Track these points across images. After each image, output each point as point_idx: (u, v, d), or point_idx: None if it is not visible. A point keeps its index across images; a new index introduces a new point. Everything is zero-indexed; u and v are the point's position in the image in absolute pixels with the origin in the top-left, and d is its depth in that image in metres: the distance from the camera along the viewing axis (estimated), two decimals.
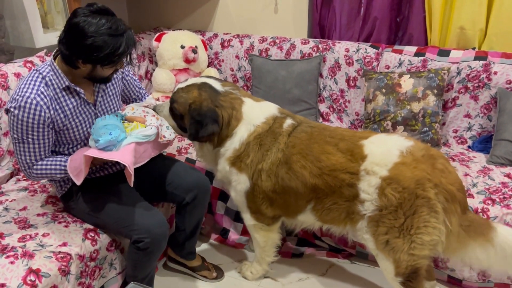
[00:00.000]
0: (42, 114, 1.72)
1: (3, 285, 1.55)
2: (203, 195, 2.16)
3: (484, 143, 2.62)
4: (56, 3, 2.83)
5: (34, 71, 1.79)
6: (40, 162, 1.81)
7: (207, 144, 1.99)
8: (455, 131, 2.74)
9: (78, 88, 1.82)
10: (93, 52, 1.65)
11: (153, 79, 3.19)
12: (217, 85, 1.97)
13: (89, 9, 1.68)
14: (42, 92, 1.73)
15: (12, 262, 1.64)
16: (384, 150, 1.76)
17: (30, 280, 1.59)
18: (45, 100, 1.73)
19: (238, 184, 1.99)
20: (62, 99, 1.80)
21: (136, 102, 2.20)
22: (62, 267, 1.69)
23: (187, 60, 3.13)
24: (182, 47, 3.13)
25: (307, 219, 2.01)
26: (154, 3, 3.67)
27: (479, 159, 2.50)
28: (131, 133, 1.82)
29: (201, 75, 3.25)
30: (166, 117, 2.01)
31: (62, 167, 1.80)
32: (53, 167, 1.81)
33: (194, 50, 3.12)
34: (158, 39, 3.20)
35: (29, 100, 1.70)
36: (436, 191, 1.67)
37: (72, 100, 1.82)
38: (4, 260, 1.65)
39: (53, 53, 1.85)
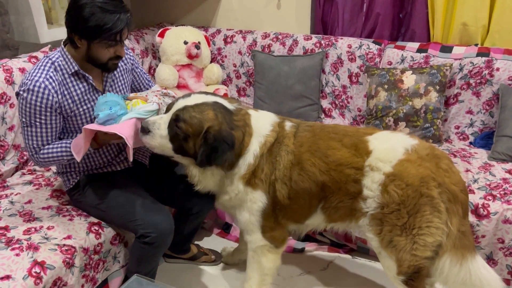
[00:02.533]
0: (50, 98, 1.75)
1: (8, 276, 1.58)
2: (208, 210, 2.18)
3: (485, 139, 2.62)
4: None
5: (45, 57, 1.83)
6: (47, 147, 1.82)
7: (213, 168, 1.78)
8: (457, 127, 2.75)
9: (86, 74, 1.84)
10: (81, 23, 1.68)
11: (156, 74, 3.21)
12: (227, 104, 1.79)
13: None
14: (50, 77, 1.77)
15: (17, 255, 1.67)
16: (389, 147, 1.73)
17: (35, 272, 1.62)
18: (53, 84, 1.77)
19: (254, 204, 1.82)
20: (70, 84, 1.83)
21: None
22: (67, 259, 1.72)
23: (190, 56, 3.14)
24: (185, 42, 3.15)
25: (315, 221, 1.92)
26: None
27: (481, 155, 2.50)
28: (132, 109, 1.80)
29: (203, 72, 3.27)
30: (162, 136, 1.72)
31: (68, 149, 1.80)
32: (59, 149, 1.81)
33: (197, 46, 3.13)
34: (161, 35, 3.21)
35: (37, 84, 1.73)
36: (439, 190, 1.64)
37: (80, 86, 1.85)
38: (9, 252, 1.68)
39: (64, 40, 1.87)
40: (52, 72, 1.78)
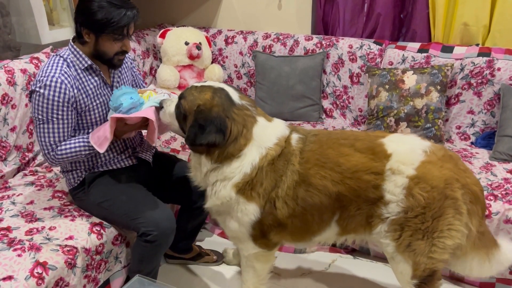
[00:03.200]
0: (67, 92, 1.78)
1: (10, 277, 1.58)
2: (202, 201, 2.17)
3: (487, 139, 2.62)
4: (61, 0, 2.85)
5: (55, 56, 1.86)
6: (64, 143, 1.82)
7: (203, 157, 1.72)
8: (458, 127, 2.75)
9: (98, 68, 1.89)
10: (90, 16, 1.74)
11: (157, 75, 3.22)
12: (234, 96, 1.73)
13: None
14: (65, 72, 1.80)
15: (19, 255, 1.67)
16: (408, 149, 1.66)
17: (37, 273, 1.62)
18: (69, 79, 1.80)
19: (245, 216, 1.73)
20: (84, 79, 1.86)
21: None
22: (69, 260, 1.72)
23: (191, 57, 3.15)
24: (186, 43, 3.15)
25: (327, 235, 1.82)
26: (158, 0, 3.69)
27: (482, 155, 2.51)
28: (150, 99, 1.87)
29: (205, 72, 3.27)
30: (170, 114, 1.79)
31: (86, 143, 1.82)
32: (77, 145, 1.82)
33: (198, 47, 3.13)
34: (163, 36, 3.22)
35: (54, 79, 1.76)
36: (462, 191, 1.61)
37: (93, 80, 1.89)
38: (11, 253, 1.68)
39: (72, 37, 1.92)
40: (65, 68, 1.82)
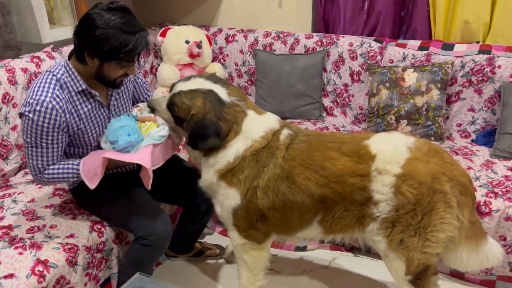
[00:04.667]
0: (58, 118, 1.70)
1: (12, 275, 1.59)
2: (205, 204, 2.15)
3: (487, 137, 2.62)
4: None
5: (48, 73, 1.76)
6: (52, 167, 1.78)
7: (196, 152, 1.84)
8: (459, 125, 2.74)
9: (93, 91, 1.80)
10: (99, 44, 1.63)
11: (158, 74, 3.22)
12: (223, 94, 1.77)
13: (108, 5, 1.67)
14: (57, 96, 1.70)
15: (20, 253, 1.68)
16: (392, 147, 1.68)
17: (39, 271, 1.63)
18: (61, 103, 1.71)
19: (226, 199, 1.81)
20: (77, 102, 1.78)
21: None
22: (70, 258, 1.73)
23: (192, 55, 3.15)
24: (187, 42, 3.16)
25: (310, 233, 1.88)
26: None
27: (483, 153, 2.50)
28: (148, 134, 1.79)
29: (205, 71, 3.27)
30: (163, 111, 1.85)
31: (75, 171, 1.78)
32: (65, 171, 1.78)
33: (199, 45, 3.14)
34: (163, 34, 3.22)
35: (44, 104, 1.67)
36: (451, 184, 1.63)
37: (87, 103, 1.81)
38: (12, 251, 1.69)
39: (69, 53, 1.81)
40: (58, 90, 1.71)
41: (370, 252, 2.45)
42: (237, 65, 3.34)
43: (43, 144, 1.72)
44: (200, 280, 2.32)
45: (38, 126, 1.68)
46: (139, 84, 2.11)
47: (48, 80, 1.73)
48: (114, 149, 1.74)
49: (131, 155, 1.74)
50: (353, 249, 2.50)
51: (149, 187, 1.77)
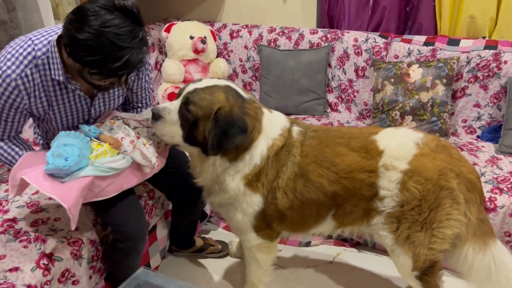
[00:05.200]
0: (18, 100, 1.50)
1: (17, 268, 1.60)
2: (202, 203, 2.12)
3: (493, 133, 2.60)
4: None
5: (29, 42, 1.49)
6: (2, 144, 1.64)
7: (219, 158, 1.66)
8: (464, 121, 2.73)
9: (73, 84, 1.58)
10: (79, 49, 1.37)
11: (162, 69, 3.22)
12: (240, 91, 1.69)
13: (113, 2, 1.38)
14: (27, 75, 1.48)
15: (25, 246, 1.69)
16: (400, 143, 1.67)
17: (43, 264, 1.63)
18: (28, 85, 1.49)
19: (250, 207, 1.74)
20: (51, 89, 1.56)
21: (131, 111, 1.95)
22: (74, 251, 1.74)
23: (196, 51, 3.15)
24: (191, 37, 3.15)
25: (323, 228, 1.86)
26: None
27: (488, 149, 2.49)
28: (94, 162, 1.51)
29: (210, 66, 3.27)
30: (173, 122, 1.63)
31: (13, 161, 1.62)
32: (5, 155, 1.64)
33: (203, 41, 3.14)
34: (168, 30, 3.22)
35: (7, 80, 1.46)
36: (458, 181, 1.62)
37: (63, 92, 1.59)
38: (17, 244, 1.70)
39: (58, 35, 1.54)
40: (31, 69, 1.48)
41: (374, 248, 2.45)
42: (241, 61, 3.34)
43: None
44: (204, 274, 2.33)
45: None
46: (139, 85, 1.85)
47: (24, 53, 1.48)
48: (44, 171, 1.49)
49: (54, 184, 1.47)
50: (357, 244, 2.50)
51: (73, 228, 1.51)
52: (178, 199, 2.14)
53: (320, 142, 1.73)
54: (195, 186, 1.82)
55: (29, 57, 1.48)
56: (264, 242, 1.86)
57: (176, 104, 1.65)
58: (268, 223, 1.80)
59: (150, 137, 1.77)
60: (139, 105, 1.95)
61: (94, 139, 1.59)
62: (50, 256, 1.67)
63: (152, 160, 1.70)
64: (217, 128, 1.57)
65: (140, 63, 1.46)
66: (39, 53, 1.49)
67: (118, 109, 1.94)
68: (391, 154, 1.64)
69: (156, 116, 1.65)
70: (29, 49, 1.48)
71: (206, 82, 1.66)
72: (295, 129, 1.77)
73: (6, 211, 1.92)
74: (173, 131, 1.65)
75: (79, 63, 1.41)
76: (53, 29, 1.55)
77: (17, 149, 1.68)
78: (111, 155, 1.56)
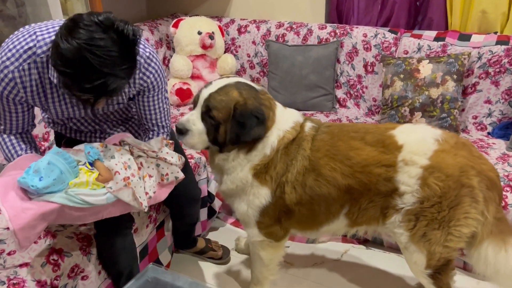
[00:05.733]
0: (14, 91, 1.47)
1: (27, 264, 1.62)
2: (196, 215, 2.13)
3: (504, 130, 2.57)
4: None
5: (33, 36, 1.44)
6: (5, 136, 1.62)
7: (233, 152, 1.69)
8: (475, 117, 2.70)
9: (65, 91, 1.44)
10: (58, 57, 1.28)
11: (170, 65, 3.22)
12: (251, 83, 1.72)
13: (113, 21, 1.29)
14: (24, 70, 1.44)
15: (35, 242, 1.69)
16: (419, 139, 1.64)
17: (53, 260, 1.65)
18: (24, 79, 1.46)
19: (256, 199, 1.73)
20: (47, 86, 1.51)
21: (144, 133, 1.83)
22: (83, 247, 1.75)
23: (204, 46, 3.14)
24: (199, 33, 3.14)
25: (335, 227, 1.82)
26: None
27: (499, 146, 2.46)
28: (69, 191, 1.40)
29: (217, 62, 3.26)
30: (200, 131, 1.65)
31: (11, 159, 1.60)
32: (6, 150, 1.62)
33: (211, 36, 3.13)
34: (176, 25, 3.22)
35: (5, 71, 1.43)
36: (479, 178, 1.58)
37: (60, 91, 1.54)
38: None
39: None
40: (29, 64, 1.44)
41: (382, 245, 2.44)
42: (249, 56, 3.32)
43: None
44: (210, 271, 2.33)
45: None
46: (146, 105, 1.70)
47: (26, 47, 1.43)
48: (18, 181, 1.39)
49: (15, 198, 1.36)
50: (365, 241, 2.49)
51: (18, 250, 1.41)
52: (174, 202, 2.07)
53: (332, 137, 1.72)
54: (190, 190, 1.85)
55: (29, 52, 1.44)
56: (267, 240, 1.85)
57: (196, 113, 1.66)
58: (274, 220, 1.79)
59: (154, 168, 1.65)
60: (150, 126, 1.78)
61: (88, 164, 1.50)
62: (59, 252, 1.68)
63: (143, 202, 1.54)
64: (234, 122, 1.61)
65: (113, 92, 1.35)
66: (39, 51, 1.45)
67: (133, 127, 1.87)
68: (410, 149, 1.61)
69: (183, 131, 1.66)
70: (31, 44, 1.44)
71: (217, 84, 1.67)
72: (308, 124, 1.76)
73: None
74: (201, 139, 1.68)
75: (54, 68, 1.33)
76: (61, 24, 1.45)
77: (18, 147, 1.64)
78: (92, 188, 1.44)
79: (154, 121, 1.75)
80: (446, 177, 1.57)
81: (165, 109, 1.76)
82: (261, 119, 1.62)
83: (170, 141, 1.74)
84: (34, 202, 1.37)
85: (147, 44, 1.61)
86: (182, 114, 2.98)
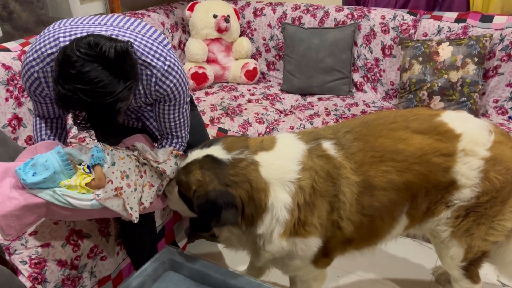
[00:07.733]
0: (40, 88, 1.56)
1: (48, 244, 1.66)
2: None
3: None
4: None
5: (56, 41, 1.49)
6: (37, 119, 1.71)
7: (228, 227, 1.50)
8: (496, 101, 2.64)
9: None
10: (59, 100, 1.32)
11: (186, 49, 3.22)
12: (221, 154, 1.45)
13: (102, 51, 1.28)
14: (47, 71, 1.52)
15: (55, 223, 1.74)
16: (476, 127, 1.50)
17: (73, 240, 1.70)
18: (48, 79, 1.54)
19: (308, 251, 1.52)
20: None
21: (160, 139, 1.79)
22: (102, 228, 1.79)
23: (220, 30, 3.12)
24: (215, 16, 3.13)
25: (396, 232, 1.64)
26: None
27: None
28: (57, 190, 1.41)
29: (233, 45, 3.25)
30: (176, 200, 1.58)
31: (36, 141, 1.69)
32: (34, 131, 1.71)
33: (227, 19, 3.10)
34: (191, 9, 3.20)
35: (31, 70, 1.52)
36: None
37: None
38: (48, 221, 1.74)
39: None
40: (52, 66, 1.49)
41: None
42: (265, 40, 3.30)
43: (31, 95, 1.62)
44: (227, 254, 2.35)
45: (22, 80, 1.58)
46: (162, 115, 1.66)
47: (49, 51, 1.49)
48: (15, 170, 1.42)
49: (4, 186, 1.39)
50: None
51: (4, 236, 1.38)
52: None
53: (366, 139, 1.52)
54: None
55: (52, 57, 1.48)
56: (320, 270, 1.68)
57: (173, 182, 1.60)
58: (326, 254, 1.60)
59: (158, 177, 1.62)
60: (165, 133, 1.75)
61: (85, 168, 1.50)
62: (79, 233, 1.72)
63: (133, 214, 1.50)
64: (198, 210, 1.45)
65: (78, 106, 1.33)
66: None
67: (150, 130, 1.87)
68: (470, 138, 1.48)
69: (165, 194, 1.63)
70: (54, 49, 1.48)
71: (188, 159, 1.51)
72: (328, 146, 1.51)
73: None
74: (182, 208, 1.59)
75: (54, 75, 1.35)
76: (84, 27, 1.53)
77: (44, 132, 1.70)
78: (80, 191, 1.44)
79: (169, 130, 1.71)
80: (506, 170, 1.47)
81: (182, 121, 1.70)
82: (228, 203, 1.39)
83: (181, 153, 1.67)
84: (22, 193, 1.39)
85: (170, 55, 1.55)
86: (197, 99, 2.99)
